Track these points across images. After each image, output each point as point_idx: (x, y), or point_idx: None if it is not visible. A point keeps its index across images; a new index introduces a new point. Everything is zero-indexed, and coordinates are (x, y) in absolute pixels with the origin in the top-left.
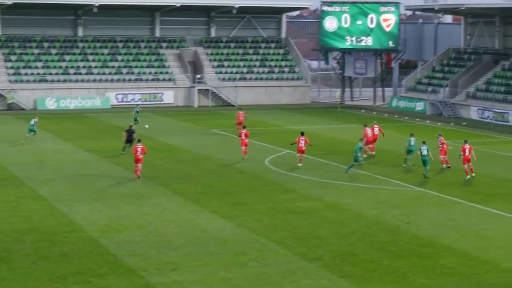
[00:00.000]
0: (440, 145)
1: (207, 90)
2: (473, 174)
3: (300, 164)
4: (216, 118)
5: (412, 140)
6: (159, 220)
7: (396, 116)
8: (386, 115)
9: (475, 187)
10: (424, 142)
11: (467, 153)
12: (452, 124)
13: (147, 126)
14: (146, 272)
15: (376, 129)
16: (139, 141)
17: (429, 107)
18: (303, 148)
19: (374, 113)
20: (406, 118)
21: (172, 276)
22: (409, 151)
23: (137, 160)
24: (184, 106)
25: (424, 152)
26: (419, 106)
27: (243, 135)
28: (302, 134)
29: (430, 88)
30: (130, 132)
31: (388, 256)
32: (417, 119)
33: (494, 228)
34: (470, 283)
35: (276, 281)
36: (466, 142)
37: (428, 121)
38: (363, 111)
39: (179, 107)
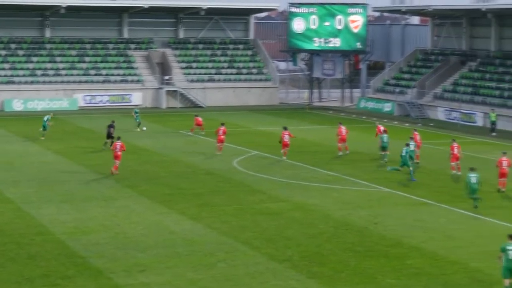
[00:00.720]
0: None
1: (175, 91)
2: (459, 172)
3: (284, 157)
4: (184, 119)
5: (385, 137)
6: (127, 222)
7: (364, 117)
8: (354, 116)
9: (442, 188)
10: (411, 138)
11: (455, 151)
12: (419, 125)
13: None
14: (114, 274)
15: (382, 129)
16: (118, 138)
17: (397, 108)
18: (288, 142)
19: (342, 114)
20: (374, 119)
21: (140, 278)
22: (382, 148)
23: (116, 157)
24: (152, 108)
25: (412, 148)
26: (387, 107)
27: (220, 131)
28: (285, 128)
29: (397, 89)
30: (110, 128)
31: (356, 256)
32: (385, 120)
33: (462, 229)
34: (438, 283)
35: (244, 282)
36: (454, 140)
37: (396, 122)
38: (331, 112)
39: (148, 108)
